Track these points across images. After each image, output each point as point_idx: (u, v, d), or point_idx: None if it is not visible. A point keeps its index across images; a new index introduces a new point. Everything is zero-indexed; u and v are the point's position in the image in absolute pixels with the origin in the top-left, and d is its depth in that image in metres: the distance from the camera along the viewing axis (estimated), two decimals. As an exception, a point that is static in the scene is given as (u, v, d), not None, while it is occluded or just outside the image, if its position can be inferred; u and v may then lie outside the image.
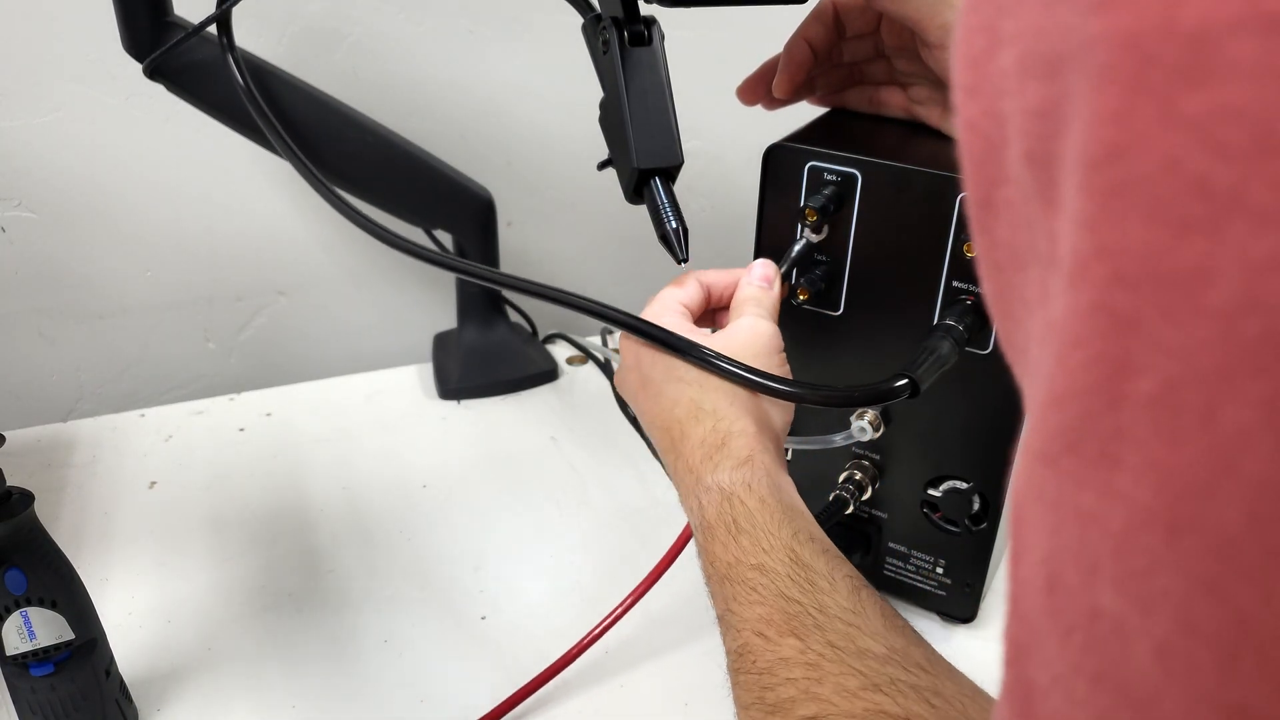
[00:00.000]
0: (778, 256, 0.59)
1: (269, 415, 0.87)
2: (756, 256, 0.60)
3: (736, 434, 0.46)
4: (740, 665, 0.38)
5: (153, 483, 0.78)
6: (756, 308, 0.52)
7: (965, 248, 0.51)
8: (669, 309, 0.52)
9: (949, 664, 0.36)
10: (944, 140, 0.59)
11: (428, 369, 0.94)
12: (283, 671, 0.61)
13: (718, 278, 0.54)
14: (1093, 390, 0.16)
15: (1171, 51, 0.14)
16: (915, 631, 0.38)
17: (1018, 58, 0.18)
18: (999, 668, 0.21)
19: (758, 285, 0.53)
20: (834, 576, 0.39)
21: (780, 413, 0.49)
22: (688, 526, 0.58)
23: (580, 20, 0.58)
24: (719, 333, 0.51)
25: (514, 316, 0.97)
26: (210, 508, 0.75)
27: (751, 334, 0.50)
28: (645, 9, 0.53)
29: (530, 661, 0.61)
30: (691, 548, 0.58)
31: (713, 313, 0.56)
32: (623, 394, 0.54)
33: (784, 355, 0.51)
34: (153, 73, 0.70)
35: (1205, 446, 0.14)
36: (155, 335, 0.96)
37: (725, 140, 1.09)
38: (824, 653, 0.36)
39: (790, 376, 0.50)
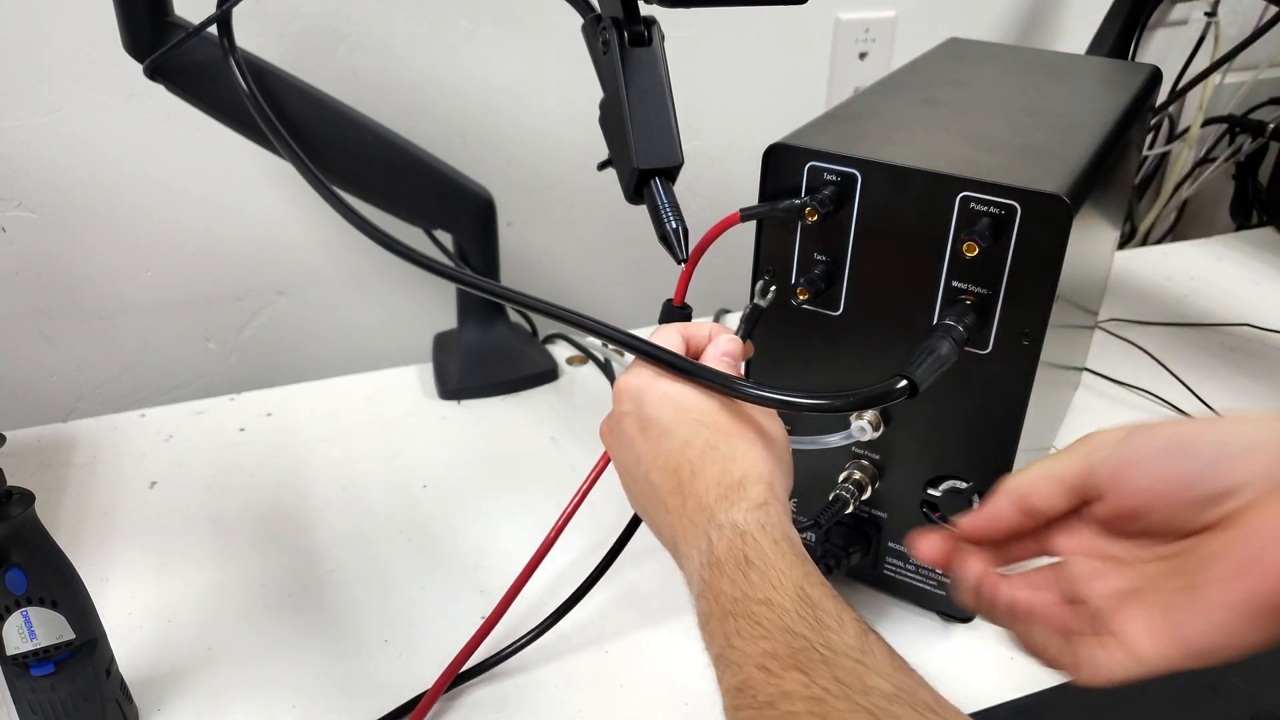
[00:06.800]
0: (777, 258, 0.59)
1: (269, 415, 0.87)
2: (756, 258, 0.60)
3: (754, 480, 0.45)
4: (739, 702, 0.37)
5: (153, 483, 0.78)
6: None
7: (965, 248, 0.51)
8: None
9: (956, 709, 0.35)
10: (944, 140, 0.59)
11: (428, 369, 0.94)
12: (283, 671, 0.61)
13: (693, 331, 0.53)
14: None
15: None
16: (922, 677, 0.37)
17: None
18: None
19: (721, 360, 0.52)
20: (842, 618, 0.38)
21: (789, 465, 0.49)
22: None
23: (580, 21, 0.58)
24: (708, 398, 0.50)
25: (514, 316, 0.97)
26: (210, 508, 0.75)
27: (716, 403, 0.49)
28: (645, 9, 0.53)
29: (530, 661, 0.61)
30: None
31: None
32: (612, 441, 0.52)
33: (773, 414, 0.50)
34: (153, 73, 0.70)
35: None
36: (155, 335, 0.96)
37: (725, 140, 1.09)
38: (829, 687, 0.35)
39: (784, 437, 0.49)
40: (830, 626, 0.38)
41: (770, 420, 0.49)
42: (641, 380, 0.50)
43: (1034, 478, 0.41)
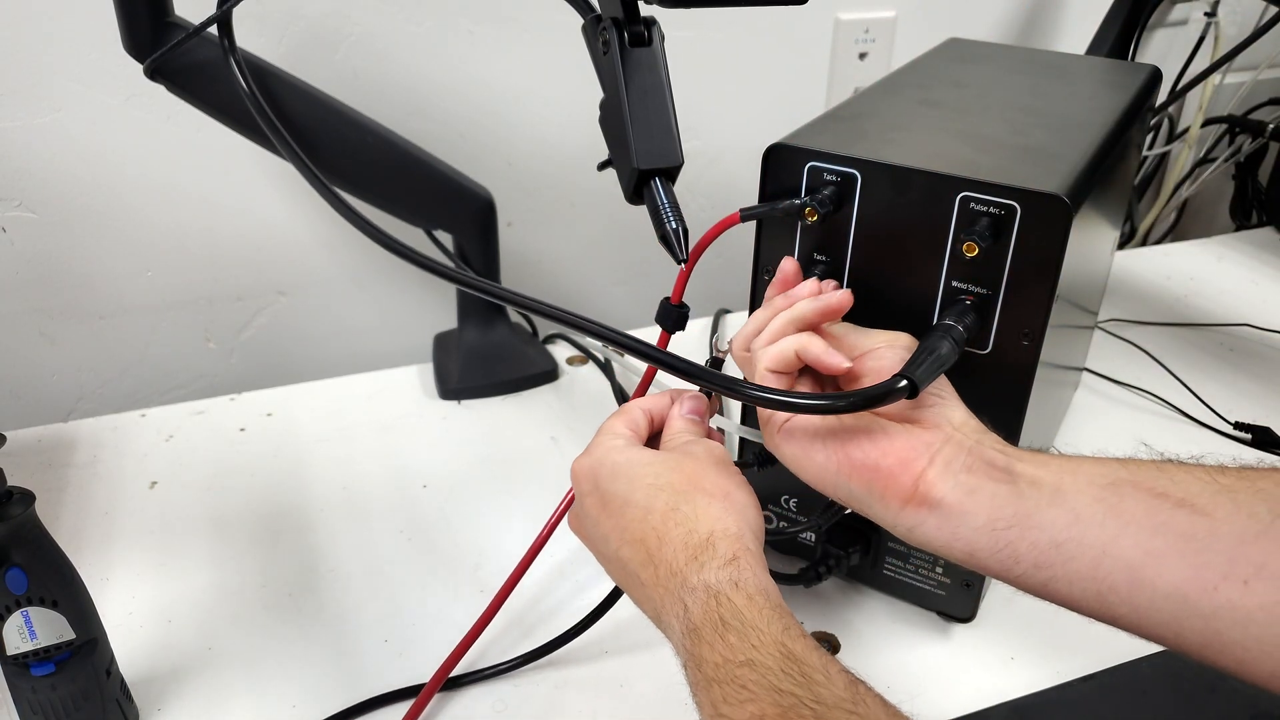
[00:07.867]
0: (777, 259, 0.59)
1: (269, 415, 0.87)
2: (756, 258, 0.60)
3: (720, 534, 0.44)
4: None
5: (153, 483, 0.78)
6: (687, 436, 0.51)
7: (965, 248, 0.51)
8: (616, 435, 0.51)
9: None
10: (944, 140, 0.59)
11: (428, 369, 0.94)
12: (283, 671, 0.61)
13: (655, 403, 0.54)
14: None
15: None
16: None
17: None
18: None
19: (687, 419, 0.52)
20: (829, 670, 0.37)
21: (756, 513, 0.48)
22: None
23: (580, 21, 0.58)
24: (661, 459, 0.49)
25: (514, 316, 0.97)
26: (210, 507, 0.75)
27: (691, 458, 0.49)
28: (645, 9, 0.53)
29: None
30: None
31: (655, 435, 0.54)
32: (581, 530, 0.52)
33: (730, 465, 0.50)
34: (153, 73, 0.70)
35: None
36: (156, 335, 0.96)
37: (725, 140, 1.09)
38: None
39: (746, 486, 0.49)
40: (818, 680, 0.37)
41: (726, 472, 0.48)
42: (593, 458, 0.50)
43: (864, 340, 0.52)
